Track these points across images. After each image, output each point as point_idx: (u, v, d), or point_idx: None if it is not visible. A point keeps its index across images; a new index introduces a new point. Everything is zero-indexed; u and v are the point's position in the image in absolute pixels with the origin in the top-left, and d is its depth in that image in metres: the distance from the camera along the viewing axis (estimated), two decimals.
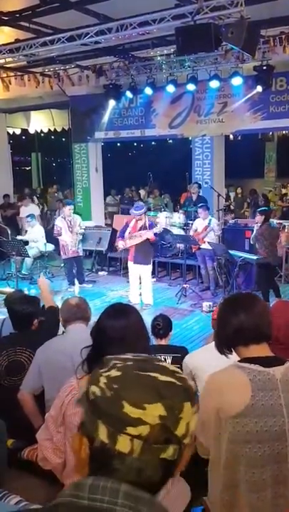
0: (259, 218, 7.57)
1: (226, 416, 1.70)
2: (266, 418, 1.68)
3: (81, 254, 9.32)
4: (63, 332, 4.18)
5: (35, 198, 14.97)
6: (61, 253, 9.18)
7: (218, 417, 1.73)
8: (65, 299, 3.59)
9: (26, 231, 10.78)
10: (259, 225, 7.57)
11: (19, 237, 10.20)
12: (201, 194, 10.14)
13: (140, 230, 7.56)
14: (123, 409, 0.80)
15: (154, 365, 0.88)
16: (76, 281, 9.22)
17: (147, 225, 7.59)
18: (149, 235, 7.44)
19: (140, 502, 0.80)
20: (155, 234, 7.50)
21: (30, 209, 11.75)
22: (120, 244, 7.84)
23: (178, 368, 2.80)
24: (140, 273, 7.72)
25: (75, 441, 0.89)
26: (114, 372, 0.85)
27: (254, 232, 7.71)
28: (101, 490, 0.80)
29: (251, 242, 7.91)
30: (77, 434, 0.88)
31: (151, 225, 7.63)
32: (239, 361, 1.78)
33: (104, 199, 14.71)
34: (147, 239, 7.49)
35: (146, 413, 0.79)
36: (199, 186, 10.21)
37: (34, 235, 10.12)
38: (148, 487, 0.82)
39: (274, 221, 9.18)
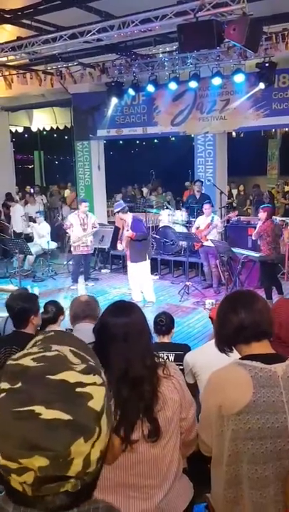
0: (262, 215, 7.55)
1: (228, 413, 1.70)
2: (268, 415, 1.68)
3: (91, 251, 9.36)
4: (66, 330, 4.19)
5: (43, 196, 14.93)
6: (72, 248, 9.23)
7: (221, 414, 1.73)
8: (76, 297, 3.62)
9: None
10: (262, 221, 7.55)
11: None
12: (204, 192, 10.15)
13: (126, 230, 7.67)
14: (0, 461, 0.72)
15: (46, 384, 0.73)
16: (81, 279, 9.26)
17: (129, 223, 7.60)
18: (128, 233, 7.52)
19: None
20: (134, 230, 7.48)
21: (15, 210, 11.76)
22: (119, 246, 8.13)
23: (179, 365, 2.76)
24: (138, 271, 7.74)
25: None
26: None
27: (257, 228, 7.69)
28: None
29: (253, 238, 7.89)
30: None
31: (134, 223, 7.60)
32: (240, 358, 1.78)
33: (113, 197, 14.74)
34: (129, 237, 7.54)
35: (24, 465, 0.70)
36: (201, 183, 10.21)
37: (41, 231, 10.20)
38: (67, 508, 0.76)
39: (276, 218, 9.17)
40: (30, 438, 0.70)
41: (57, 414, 0.71)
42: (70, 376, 0.75)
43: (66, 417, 0.71)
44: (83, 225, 8.96)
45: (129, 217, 7.69)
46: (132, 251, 7.68)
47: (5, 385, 0.74)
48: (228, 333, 1.82)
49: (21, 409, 0.71)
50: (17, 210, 11.72)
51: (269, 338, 1.83)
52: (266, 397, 1.68)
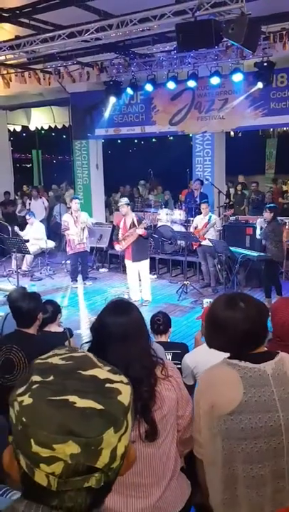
0: (268, 215, 7.51)
1: (221, 413, 1.70)
2: (260, 414, 1.68)
3: (87, 249, 9.34)
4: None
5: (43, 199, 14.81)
6: (67, 248, 9.19)
7: (213, 414, 1.72)
8: None
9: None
10: (267, 221, 7.51)
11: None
12: (202, 191, 10.14)
13: (130, 228, 7.60)
14: (32, 448, 0.74)
15: (78, 378, 0.78)
16: (79, 278, 9.24)
17: (135, 220, 7.62)
18: (140, 231, 7.52)
19: None
20: (145, 228, 7.57)
21: None
22: (117, 247, 8.00)
23: (177, 364, 2.74)
24: (139, 269, 7.75)
25: (6, 457, 0.82)
26: (26, 399, 0.77)
27: (263, 228, 7.61)
28: None
29: (260, 237, 7.73)
30: (8, 452, 0.82)
31: (140, 220, 7.67)
32: (229, 357, 1.76)
33: (111, 196, 14.70)
34: (140, 235, 7.55)
35: (56, 452, 0.73)
36: (201, 183, 10.19)
37: (34, 234, 10.09)
38: (81, 511, 0.78)
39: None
40: (66, 424, 0.74)
41: (91, 404, 0.76)
42: (100, 373, 0.81)
43: (99, 406, 0.76)
44: (77, 223, 8.95)
45: (134, 215, 7.76)
46: (137, 248, 7.65)
47: (37, 378, 0.79)
48: (220, 344, 1.79)
49: (56, 398, 0.76)
50: None
51: (263, 343, 1.81)
52: (257, 396, 1.68)
